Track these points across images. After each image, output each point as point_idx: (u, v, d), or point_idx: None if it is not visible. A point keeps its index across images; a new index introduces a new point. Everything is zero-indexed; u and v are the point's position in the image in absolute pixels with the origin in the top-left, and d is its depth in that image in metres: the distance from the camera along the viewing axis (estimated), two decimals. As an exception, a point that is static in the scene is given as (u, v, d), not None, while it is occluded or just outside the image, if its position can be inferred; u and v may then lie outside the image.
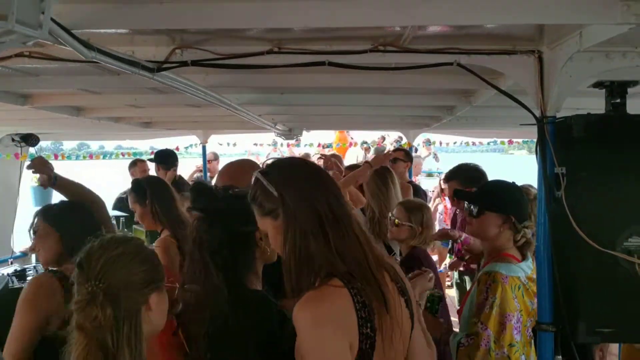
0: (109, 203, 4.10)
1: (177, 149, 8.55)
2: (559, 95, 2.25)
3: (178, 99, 3.98)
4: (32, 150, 6.79)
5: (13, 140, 6.60)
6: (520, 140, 8.30)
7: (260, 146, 10.31)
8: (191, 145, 8.18)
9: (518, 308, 2.43)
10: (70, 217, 2.54)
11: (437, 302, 2.61)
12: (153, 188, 3.46)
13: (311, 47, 2.40)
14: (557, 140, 2.25)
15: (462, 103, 4.06)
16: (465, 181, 3.73)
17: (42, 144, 7.01)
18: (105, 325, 1.35)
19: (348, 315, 1.38)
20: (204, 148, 7.61)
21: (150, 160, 6.16)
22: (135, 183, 3.61)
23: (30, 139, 6.61)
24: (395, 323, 1.45)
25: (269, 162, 1.56)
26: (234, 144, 9.17)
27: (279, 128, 5.88)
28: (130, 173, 6.26)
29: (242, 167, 2.43)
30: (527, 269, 2.58)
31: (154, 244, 3.22)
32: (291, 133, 6.40)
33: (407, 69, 2.54)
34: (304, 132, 8.03)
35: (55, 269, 2.44)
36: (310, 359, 1.36)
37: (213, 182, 4.04)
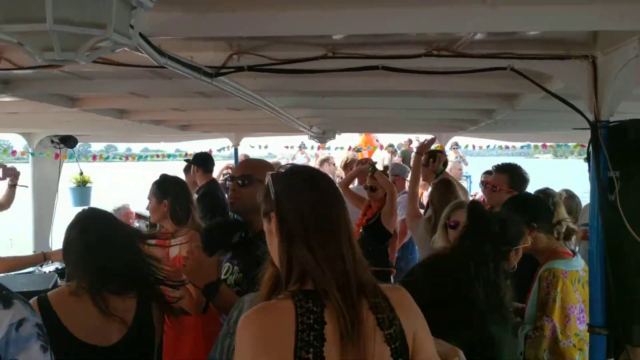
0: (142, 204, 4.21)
1: (211, 151, 8.69)
2: (613, 100, 2.27)
3: (221, 102, 4.07)
4: (70, 151, 6.99)
5: (52, 142, 6.80)
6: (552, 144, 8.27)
7: (291, 148, 10.39)
8: (223, 148, 8.29)
9: (580, 299, 2.56)
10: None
11: None
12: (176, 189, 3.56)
13: (365, 51, 2.45)
14: (610, 144, 2.26)
15: (504, 107, 4.06)
16: (514, 179, 3.75)
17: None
18: None
19: (284, 335, 1.31)
20: (236, 150, 7.71)
21: (187, 161, 6.23)
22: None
23: (68, 141, 6.82)
24: (358, 355, 1.32)
25: (285, 166, 1.56)
26: (265, 147, 9.28)
27: (313, 131, 5.94)
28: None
29: (262, 162, 2.82)
30: (579, 264, 2.73)
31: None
32: (324, 136, 6.45)
33: (460, 74, 2.57)
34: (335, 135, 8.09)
35: None
36: None
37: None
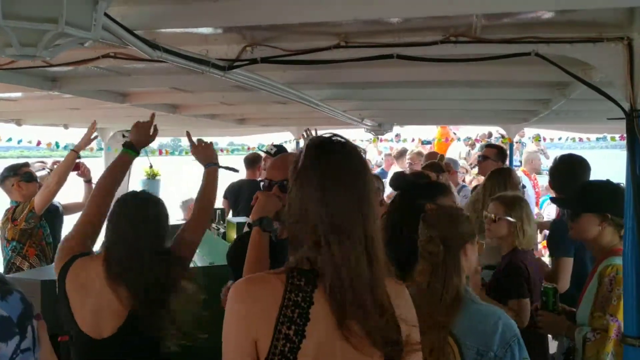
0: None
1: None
2: (651, 87, 2.03)
3: (263, 95, 4.07)
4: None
5: (124, 136, 7.12)
6: None
7: (354, 141, 10.24)
8: (285, 142, 8.35)
9: None
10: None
11: (552, 295, 2.49)
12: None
13: (379, 40, 2.34)
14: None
15: (557, 96, 3.79)
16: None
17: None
18: None
19: (268, 307, 1.31)
20: (297, 144, 7.73)
21: (267, 152, 6.10)
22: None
23: (138, 135, 7.10)
24: (349, 350, 1.30)
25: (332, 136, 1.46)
26: (327, 139, 9.21)
27: (367, 123, 5.84)
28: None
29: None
30: None
31: None
32: (381, 128, 6.32)
33: (480, 61, 2.40)
34: (398, 128, 7.93)
35: None
36: (223, 330, 1.37)
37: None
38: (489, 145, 5.65)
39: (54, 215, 4.65)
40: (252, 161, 6.12)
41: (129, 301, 2.18)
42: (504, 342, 1.93)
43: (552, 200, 3.44)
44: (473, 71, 3.08)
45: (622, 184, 3.09)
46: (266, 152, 6.01)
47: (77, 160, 5.24)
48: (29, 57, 1.41)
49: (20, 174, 4.27)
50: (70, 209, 5.06)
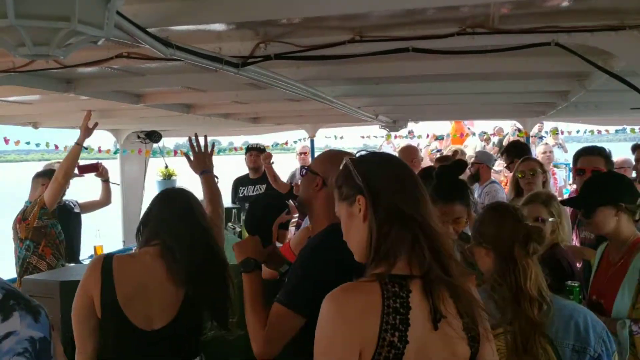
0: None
1: (287, 143, 8.77)
2: (676, 75, 1.98)
3: (277, 93, 4.04)
4: (155, 146, 7.32)
5: (138, 137, 7.14)
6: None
7: (368, 138, 10.24)
8: (300, 140, 8.33)
9: None
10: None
11: (577, 293, 2.46)
12: None
13: (394, 33, 2.30)
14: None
15: (576, 87, 3.71)
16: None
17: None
18: None
19: (370, 316, 1.31)
20: (312, 142, 7.71)
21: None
22: None
23: (153, 136, 7.11)
24: (441, 342, 1.35)
25: (362, 153, 1.55)
26: (341, 137, 9.21)
27: (381, 120, 5.79)
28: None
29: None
30: None
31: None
32: (396, 125, 6.27)
33: (497, 52, 2.35)
34: (413, 124, 7.86)
35: None
36: (316, 347, 1.35)
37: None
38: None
39: (69, 214, 4.69)
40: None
41: (182, 293, 2.24)
42: (598, 336, 1.88)
43: (563, 202, 3.26)
44: (490, 63, 3.03)
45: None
46: (256, 148, 6.07)
47: (96, 162, 5.32)
48: (42, 56, 1.40)
49: (50, 176, 4.30)
50: (88, 207, 5.13)
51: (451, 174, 2.83)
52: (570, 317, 1.90)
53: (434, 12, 2.21)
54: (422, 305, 1.34)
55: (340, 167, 1.50)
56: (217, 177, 3.05)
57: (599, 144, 3.82)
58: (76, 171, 4.70)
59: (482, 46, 2.37)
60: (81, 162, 4.68)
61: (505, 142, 8.79)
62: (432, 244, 1.38)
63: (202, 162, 2.85)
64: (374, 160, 1.50)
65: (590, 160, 3.42)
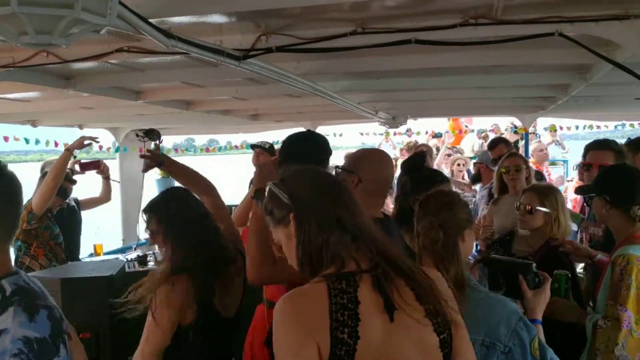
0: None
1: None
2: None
3: (277, 89, 4.02)
4: (154, 145, 7.30)
5: (137, 135, 7.12)
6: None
7: (367, 135, 10.21)
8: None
9: None
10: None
11: (564, 282, 2.45)
12: None
13: (396, 25, 2.29)
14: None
15: (577, 80, 3.70)
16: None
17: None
18: None
19: (318, 315, 1.30)
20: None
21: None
22: None
23: (152, 134, 7.08)
24: (404, 339, 1.33)
25: (282, 173, 1.57)
26: (340, 135, 9.18)
27: (381, 116, 5.77)
28: None
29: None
30: None
31: None
32: (395, 121, 6.25)
33: (500, 43, 2.34)
34: (410, 120, 7.83)
35: None
36: (277, 352, 1.34)
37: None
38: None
39: (69, 215, 4.68)
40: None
41: (242, 281, 2.34)
42: (510, 330, 1.86)
43: (577, 190, 3.19)
44: (491, 56, 3.02)
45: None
46: (260, 146, 6.02)
47: (98, 159, 5.34)
48: (44, 45, 1.38)
49: None
50: (87, 204, 5.12)
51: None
52: (482, 313, 1.86)
53: (437, 2, 2.20)
54: (373, 298, 1.33)
55: (266, 195, 1.51)
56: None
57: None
58: (78, 168, 4.73)
59: (485, 37, 2.36)
60: (82, 160, 4.70)
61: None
62: (373, 238, 1.40)
63: (156, 156, 2.88)
64: (295, 176, 1.51)
65: (598, 155, 3.29)
